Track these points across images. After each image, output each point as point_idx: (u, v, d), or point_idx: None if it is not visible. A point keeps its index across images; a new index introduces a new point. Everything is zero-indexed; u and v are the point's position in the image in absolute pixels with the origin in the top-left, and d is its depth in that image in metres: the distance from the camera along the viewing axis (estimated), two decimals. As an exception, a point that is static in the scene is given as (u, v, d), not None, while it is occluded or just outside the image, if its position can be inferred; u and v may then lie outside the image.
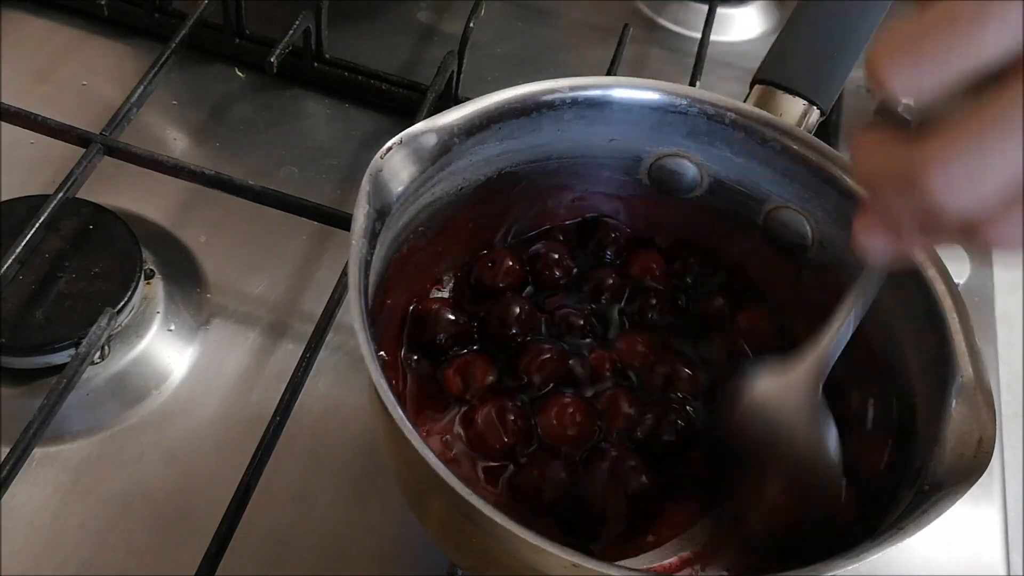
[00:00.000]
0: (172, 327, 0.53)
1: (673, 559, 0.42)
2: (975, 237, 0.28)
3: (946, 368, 0.38)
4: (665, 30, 0.76)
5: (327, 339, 0.50)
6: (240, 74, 0.67)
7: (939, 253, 0.41)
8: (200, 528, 0.44)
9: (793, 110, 0.47)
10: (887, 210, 0.30)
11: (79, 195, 0.53)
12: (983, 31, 0.25)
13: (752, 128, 0.45)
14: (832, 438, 0.40)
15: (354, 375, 0.52)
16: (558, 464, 0.42)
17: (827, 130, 0.67)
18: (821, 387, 0.40)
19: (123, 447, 0.49)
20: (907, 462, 0.38)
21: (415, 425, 0.34)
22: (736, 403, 0.42)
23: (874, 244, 0.32)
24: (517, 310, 0.46)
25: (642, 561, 0.41)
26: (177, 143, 0.63)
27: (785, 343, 0.47)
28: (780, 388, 0.41)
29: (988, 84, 0.26)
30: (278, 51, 0.59)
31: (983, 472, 0.35)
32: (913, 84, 0.27)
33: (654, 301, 0.47)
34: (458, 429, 0.43)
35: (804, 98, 0.47)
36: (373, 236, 0.38)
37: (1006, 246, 0.28)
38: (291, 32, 0.60)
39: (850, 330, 0.39)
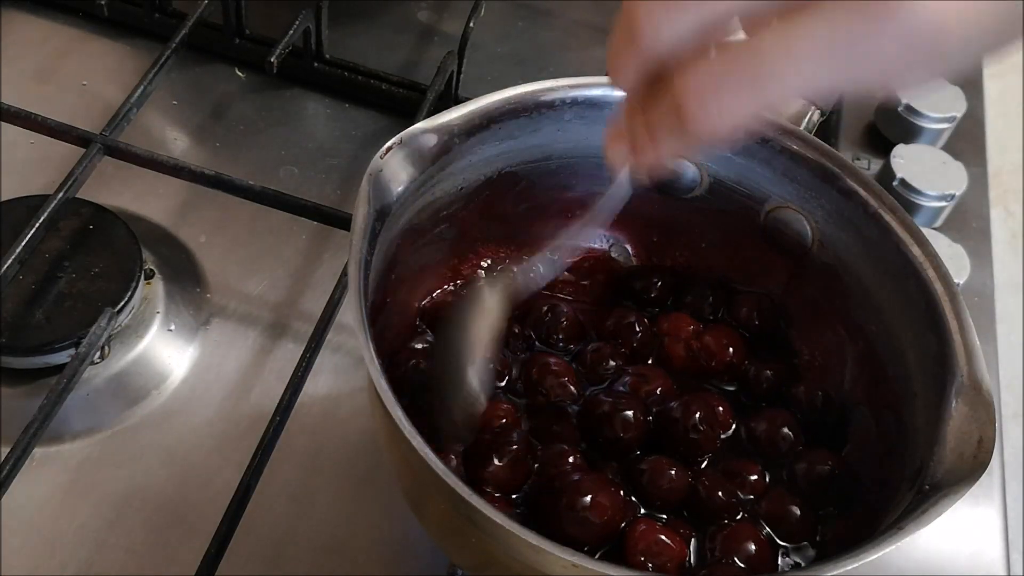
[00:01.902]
0: (172, 327, 0.53)
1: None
2: (683, 120, 0.29)
3: (946, 368, 0.38)
4: (665, 30, 0.76)
5: (327, 339, 0.50)
6: (240, 74, 0.67)
7: (939, 253, 0.41)
8: (200, 528, 0.44)
9: (793, 110, 0.47)
10: (623, 83, 0.32)
11: (79, 195, 0.53)
12: None
13: (752, 128, 0.45)
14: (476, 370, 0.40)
15: (354, 375, 0.52)
16: None
17: (827, 130, 0.67)
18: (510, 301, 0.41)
19: (123, 447, 0.49)
20: (907, 462, 0.38)
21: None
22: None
23: (613, 149, 0.33)
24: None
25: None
26: (177, 143, 0.63)
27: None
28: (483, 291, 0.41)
29: None
30: (278, 51, 0.59)
31: (983, 472, 0.35)
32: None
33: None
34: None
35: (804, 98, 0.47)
36: (373, 236, 0.38)
37: (704, 113, 0.28)
38: (291, 32, 0.60)
39: (581, 235, 0.41)
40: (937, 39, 0.25)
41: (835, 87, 0.28)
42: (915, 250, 0.41)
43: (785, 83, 0.27)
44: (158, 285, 0.54)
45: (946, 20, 0.25)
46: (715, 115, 0.28)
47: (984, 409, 0.36)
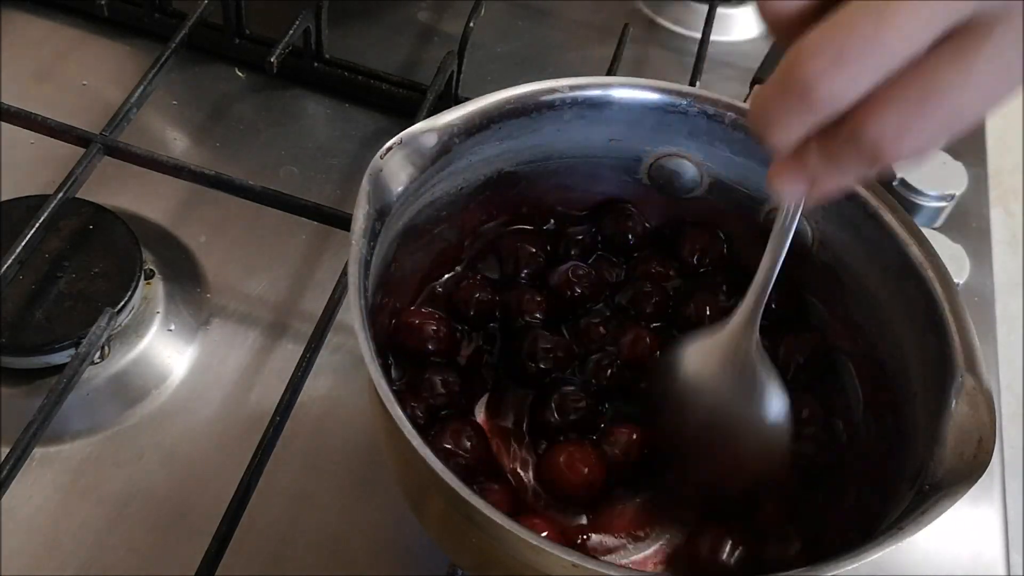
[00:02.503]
0: (172, 327, 0.53)
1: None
2: (875, 156, 0.29)
3: (946, 368, 0.38)
4: (665, 30, 0.76)
5: (327, 339, 0.50)
6: (240, 74, 0.67)
7: (939, 253, 0.41)
8: (200, 528, 0.44)
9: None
10: (788, 148, 0.31)
11: (79, 195, 0.53)
12: None
13: (752, 128, 0.45)
14: (771, 397, 0.40)
15: (354, 375, 0.53)
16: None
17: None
18: (754, 345, 0.40)
19: (123, 447, 0.49)
20: (907, 462, 0.38)
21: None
22: (667, 374, 0.42)
23: (788, 186, 0.32)
24: None
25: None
26: (177, 143, 0.63)
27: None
28: (707, 351, 0.41)
29: None
30: (278, 51, 0.59)
31: (983, 472, 0.35)
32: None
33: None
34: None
35: (804, 98, 0.47)
36: (373, 236, 0.38)
37: (897, 149, 0.29)
38: (291, 32, 0.60)
39: (772, 278, 0.39)
40: None
41: (1008, 98, 0.29)
42: (915, 250, 0.41)
43: (972, 108, 0.28)
44: (158, 285, 0.54)
45: None
46: (908, 149, 0.29)
47: (984, 409, 0.36)
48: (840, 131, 0.29)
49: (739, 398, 0.41)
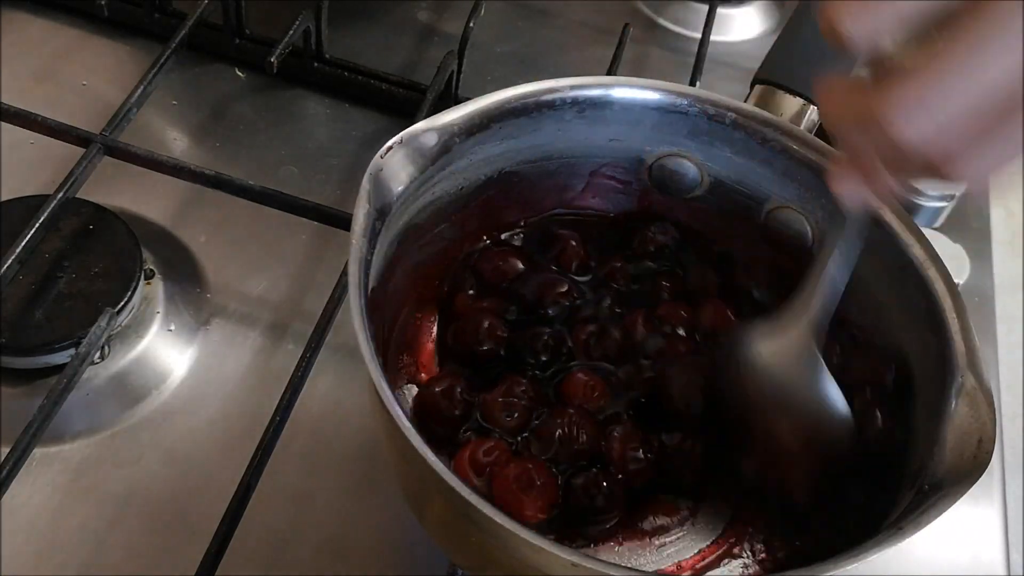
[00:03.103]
0: (172, 327, 0.53)
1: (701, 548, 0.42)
2: (938, 173, 0.29)
3: (946, 368, 0.38)
4: (665, 30, 0.76)
5: (327, 339, 0.50)
6: (240, 74, 0.67)
7: (939, 253, 0.41)
8: (200, 528, 0.44)
9: (793, 110, 0.47)
10: (856, 154, 0.31)
11: (79, 195, 0.53)
12: None
13: (752, 128, 0.45)
14: (834, 394, 0.40)
15: (354, 375, 0.53)
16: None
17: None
18: (816, 345, 0.40)
19: (123, 447, 0.49)
20: (907, 462, 0.38)
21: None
22: (734, 369, 0.42)
23: (848, 190, 0.33)
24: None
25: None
26: (177, 143, 0.63)
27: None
28: (777, 351, 0.41)
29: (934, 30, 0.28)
30: (278, 51, 0.59)
31: (983, 472, 0.35)
32: (864, 27, 0.28)
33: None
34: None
35: (804, 98, 0.47)
36: (373, 236, 0.38)
37: (970, 183, 0.29)
38: (291, 32, 0.60)
39: (842, 283, 0.39)
40: None
41: None
42: (915, 250, 0.41)
43: None
44: (158, 285, 0.54)
45: None
46: (976, 170, 0.28)
47: (984, 409, 0.36)
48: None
49: (811, 394, 0.41)
